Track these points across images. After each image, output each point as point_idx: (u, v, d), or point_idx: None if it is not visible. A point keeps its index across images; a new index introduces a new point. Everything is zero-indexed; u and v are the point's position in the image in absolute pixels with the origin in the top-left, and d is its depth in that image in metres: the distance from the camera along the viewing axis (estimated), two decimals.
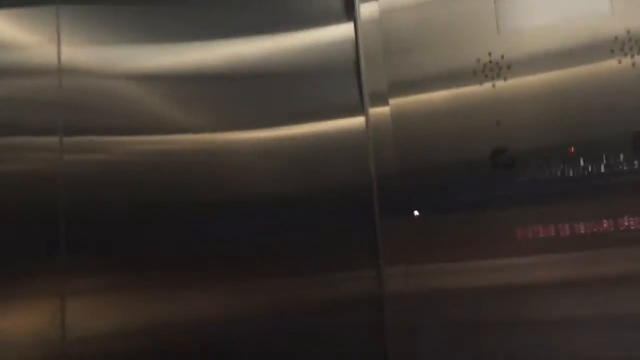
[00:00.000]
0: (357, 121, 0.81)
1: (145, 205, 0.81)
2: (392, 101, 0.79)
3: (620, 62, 0.72)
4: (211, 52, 0.86)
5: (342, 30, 0.84)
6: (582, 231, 0.70)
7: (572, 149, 0.72)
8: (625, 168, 0.70)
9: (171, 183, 0.83)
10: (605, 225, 0.69)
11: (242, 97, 0.85)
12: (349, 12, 0.84)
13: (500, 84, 0.75)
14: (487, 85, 0.75)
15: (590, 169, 0.71)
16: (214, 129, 0.84)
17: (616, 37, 0.72)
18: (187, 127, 0.84)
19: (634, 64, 0.71)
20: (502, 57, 0.76)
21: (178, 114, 0.84)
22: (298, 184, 0.82)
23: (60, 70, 0.84)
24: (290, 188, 0.82)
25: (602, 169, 0.71)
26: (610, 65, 0.72)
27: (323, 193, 0.81)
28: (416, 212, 0.76)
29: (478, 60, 0.76)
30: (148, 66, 0.84)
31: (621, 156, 0.70)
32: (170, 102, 0.84)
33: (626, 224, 0.69)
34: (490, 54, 0.76)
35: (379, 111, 0.79)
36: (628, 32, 0.72)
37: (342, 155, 0.82)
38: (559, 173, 0.72)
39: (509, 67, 0.75)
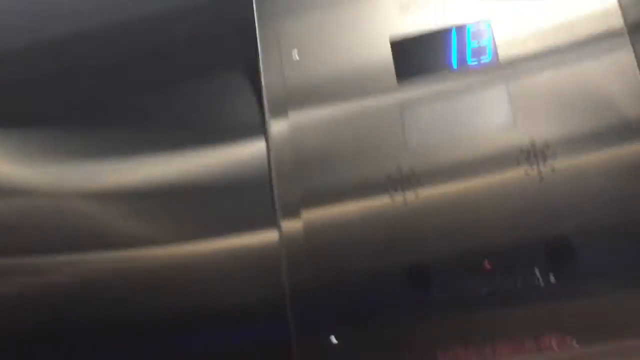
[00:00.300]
0: (271, 235, 0.80)
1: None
2: (304, 214, 0.77)
3: (527, 173, 0.72)
4: (132, 172, 0.88)
5: (255, 146, 0.85)
6: (505, 351, 0.67)
7: (487, 263, 0.70)
8: (541, 283, 0.68)
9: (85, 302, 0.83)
10: (526, 345, 0.67)
11: (161, 213, 0.86)
12: (261, 128, 0.84)
13: (411, 198, 0.74)
14: (399, 201, 0.74)
15: (506, 284, 0.69)
16: (131, 245, 0.84)
17: (521, 149, 0.72)
18: (102, 244, 0.85)
19: (540, 174, 0.71)
20: (412, 171, 0.75)
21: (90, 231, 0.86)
22: (214, 299, 0.81)
23: None
24: (205, 303, 0.81)
25: (519, 284, 0.69)
26: (517, 176, 0.72)
27: (238, 309, 0.80)
28: (332, 338, 0.72)
29: (388, 177, 0.75)
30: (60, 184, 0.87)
31: (536, 270, 0.69)
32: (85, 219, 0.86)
33: (547, 342, 0.66)
34: (399, 168, 0.75)
35: (291, 224, 0.77)
36: (532, 144, 0.72)
37: (256, 270, 0.80)
38: (475, 289, 0.69)
39: (419, 181, 0.74)
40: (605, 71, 0.72)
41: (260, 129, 0.85)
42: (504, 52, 0.76)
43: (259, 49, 0.85)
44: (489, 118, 0.74)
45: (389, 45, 0.79)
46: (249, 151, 0.86)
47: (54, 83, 0.96)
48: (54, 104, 0.95)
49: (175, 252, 0.84)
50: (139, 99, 0.95)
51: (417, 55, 0.78)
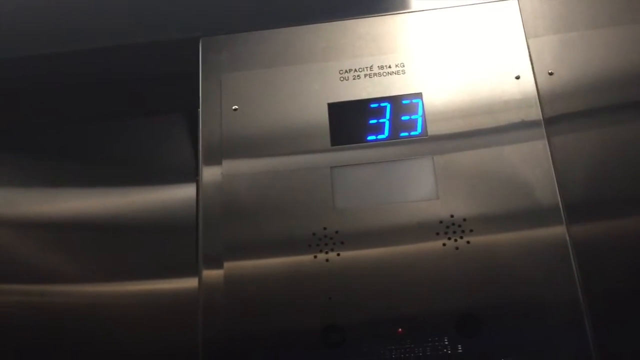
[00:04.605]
0: (191, 283, 0.79)
1: None
2: (226, 265, 0.76)
3: (444, 244, 0.75)
4: (56, 203, 0.87)
5: (186, 192, 0.85)
6: None
7: (400, 329, 0.71)
8: (449, 352, 0.70)
9: None
10: None
11: (80, 249, 0.85)
12: (194, 175, 0.85)
13: (333, 259, 0.75)
14: (322, 260, 0.75)
15: (418, 351, 0.70)
16: (43, 279, 0.83)
17: (441, 221, 0.76)
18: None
19: (457, 248, 0.74)
20: (337, 231, 0.76)
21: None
22: (122, 345, 0.79)
23: None
24: (113, 349, 0.79)
25: (429, 351, 0.70)
26: (435, 247, 0.75)
27: (147, 357, 0.78)
28: None
29: (314, 235, 0.77)
30: None
31: (445, 339, 0.71)
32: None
33: None
34: (325, 228, 0.77)
35: (212, 273, 0.77)
36: (452, 216, 0.76)
37: (171, 317, 0.79)
38: (387, 354, 0.70)
39: (342, 242, 0.76)
40: (522, 158, 0.78)
41: (192, 176, 0.85)
42: (433, 127, 0.80)
43: (200, 97, 0.86)
44: (414, 189, 0.78)
45: (326, 108, 0.82)
46: (179, 196, 0.86)
47: None
48: None
49: (88, 291, 0.82)
50: (73, 130, 0.94)
51: (352, 121, 0.82)
